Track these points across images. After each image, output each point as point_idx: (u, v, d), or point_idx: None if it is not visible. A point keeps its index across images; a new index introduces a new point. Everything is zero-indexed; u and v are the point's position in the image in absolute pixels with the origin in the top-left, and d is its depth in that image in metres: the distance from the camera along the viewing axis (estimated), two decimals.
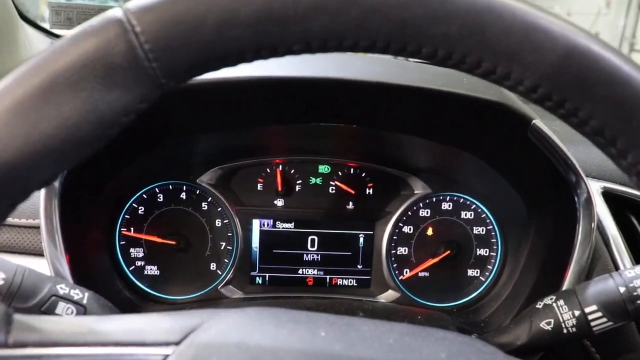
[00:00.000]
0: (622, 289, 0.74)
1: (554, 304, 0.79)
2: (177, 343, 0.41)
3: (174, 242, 1.09)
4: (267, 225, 1.12)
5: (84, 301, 0.76)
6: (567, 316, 0.77)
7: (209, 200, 1.10)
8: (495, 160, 1.00)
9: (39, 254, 0.89)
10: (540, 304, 0.81)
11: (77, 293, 0.76)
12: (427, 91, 0.86)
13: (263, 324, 0.43)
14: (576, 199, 0.90)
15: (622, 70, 0.37)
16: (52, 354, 0.40)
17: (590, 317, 0.76)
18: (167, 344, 0.41)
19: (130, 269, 1.10)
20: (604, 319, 0.75)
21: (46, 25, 1.45)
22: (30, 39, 1.39)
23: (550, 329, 0.78)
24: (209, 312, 0.45)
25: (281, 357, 0.39)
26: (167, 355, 0.40)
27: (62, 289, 0.75)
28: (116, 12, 0.37)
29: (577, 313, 0.76)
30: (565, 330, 0.77)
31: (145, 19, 0.37)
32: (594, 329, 0.76)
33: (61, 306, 0.74)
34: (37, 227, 0.89)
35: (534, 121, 0.87)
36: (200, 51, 0.38)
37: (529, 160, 0.94)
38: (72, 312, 0.74)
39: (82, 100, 0.38)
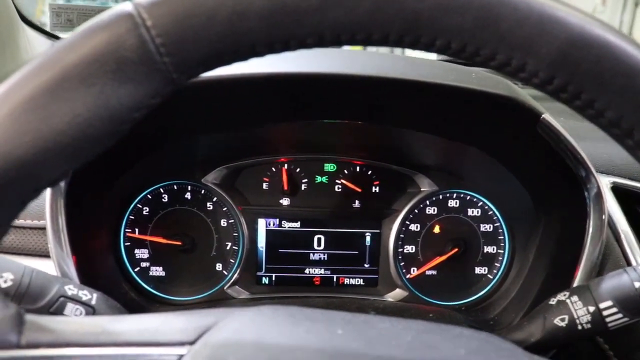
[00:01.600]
0: (637, 284, 0.73)
1: (568, 300, 0.78)
2: (192, 343, 0.40)
3: (179, 243, 1.08)
4: (273, 224, 1.11)
5: (93, 302, 0.75)
6: (581, 312, 0.76)
7: (214, 200, 1.10)
8: (503, 155, 0.99)
9: (45, 255, 0.88)
10: (553, 300, 0.80)
11: (86, 294, 0.75)
12: (436, 86, 0.85)
13: (279, 322, 0.43)
14: (586, 194, 0.89)
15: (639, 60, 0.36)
16: (65, 355, 0.40)
17: (605, 312, 0.75)
18: (181, 343, 0.40)
19: (135, 270, 1.09)
20: (619, 315, 0.74)
21: (45, 27, 1.44)
22: (31, 41, 1.38)
23: (564, 325, 0.77)
24: (223, 311, 0.44)
25: (299, 356, 0.38)
26: (181, 355, 0.39)
27: (71, 289, 0.74)
28: (126, 7, 0.37)
29: (591, 309, 0.76)
30: (579, 327, 0.76)
31: (156, 12, 0.36)
32: (609, 324, 0.75)
33: (70, 307, 0.73)
34: (43, 229, 0.89)
35: (543, 115, 0.86)
36: (212, 45, 0.37)
37: (538, 155, 0.94)
38: (80, 313, 0.73)
39: (94, 96, 0.37)
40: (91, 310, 0.74)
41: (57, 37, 1.47)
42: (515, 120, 0.90)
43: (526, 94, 0.91)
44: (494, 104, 0.87)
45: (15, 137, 0.36)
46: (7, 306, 0.41)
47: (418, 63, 0.95)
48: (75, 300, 0.74)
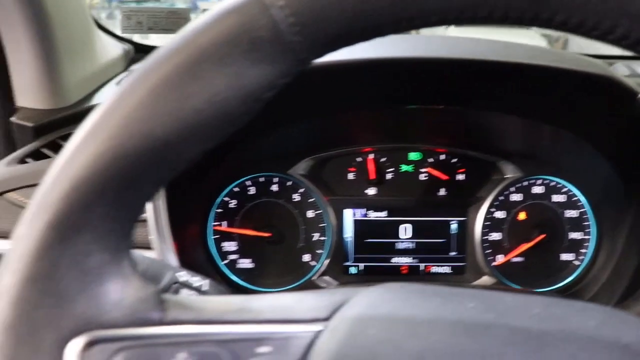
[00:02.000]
0: None
1: None
2: (326, 319, 0.40)
3: (269, 234, 1.09)
4: (360, 214, 1.12)
5: (205, 288, 0.76)
6: None
7: (300, 191, 1.10)
8: (596, 138, 0.99)
9: (142, 247, 0.90)
10: None
11: (197, 280, 0.76)
12: (534, 67, 0.86)
13: (410, 297, 0.43)
14: None
15: None
16: (208, 332, 0.40)
17: None
18: (316, 320, 0.40)
19: (224, 262, 1.10)
20: None
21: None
22: (104, 44, 1.41)
23: None
24: (351, 289, 0.44)
25: (438, 328, 0.38)
26: (319, 331, 0.40)
27: (182, 276, 0.75)
28: None
29: None
30: None
31: None
32: None
33: (184, 293, 0.74)
34: (141, 221, 0.90)
35: None
36: (341, 25, 0.37)
37: (633, 137, 0.93)
38: None
39: (229, 76, 0.37)
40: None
41: (125, 40, 1.51)
42: (611, 100, 0.89)
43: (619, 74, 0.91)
44: (590, 84, 0.87)
45: (155, 116, 0.37)
46: (146, 286, 0.42)
47: (508, 45, 0.95)
48: (188, 286, 0.75)
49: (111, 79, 1.41)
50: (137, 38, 1.58)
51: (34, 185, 0.96)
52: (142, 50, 1.56)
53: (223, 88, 0.37)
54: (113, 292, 0.40)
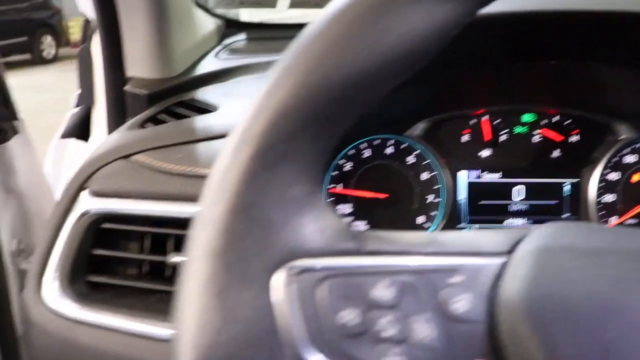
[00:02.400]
0: None
1: None
2: (509, 252, 0.41)
3: (386, 195, 1.10)
4: (474, 176, 1.12)
5: None
6: None
7: (416, 153, 1.11)
8: None
9: None
10: None
11: None
12: None
13: (585, 231, 0.43)
14: None
15: None
16: (404, 263, 0.41)
17: None
18: (498, 254, 0.41)
19: None
20: None
21: None
22: (200, 18, 1.44)
23: None
24: (523, 229, 0.44)
25: (626, 257, 0.39)
26: (503, 263, 0.41)
27: None
28: None
29: None
30: None
31: None
32: None
33: None
34: None
35: None
36: None
37: None
38: None
39: (422, 12, 0.39)
40: None
41: (217, 15, 1.54)
42: None
43: None
44: None
45: (354, 50, 0.38)
46: (340, 219, 0.43)
47: None
48: None
49: (208, 52, 1.43)
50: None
51: (160, 147, 0.98)
52: (232, 26, 1.58)
53: (416, 24, 0.39)
54: (313, 223, 0.41)
